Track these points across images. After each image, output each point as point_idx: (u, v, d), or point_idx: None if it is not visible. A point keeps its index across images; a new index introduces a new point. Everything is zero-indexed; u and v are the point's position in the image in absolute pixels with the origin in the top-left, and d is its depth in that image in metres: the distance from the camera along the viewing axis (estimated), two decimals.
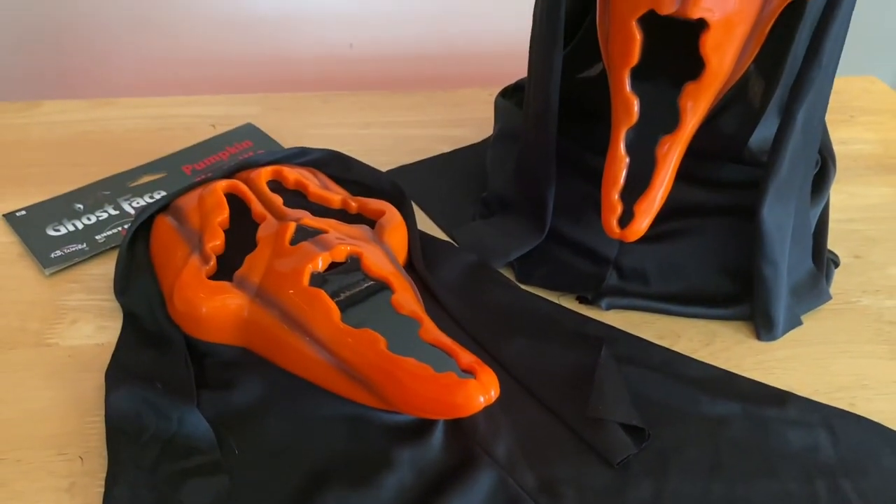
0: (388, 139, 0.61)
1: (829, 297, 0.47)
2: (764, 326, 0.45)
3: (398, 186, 0.50)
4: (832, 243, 0.51)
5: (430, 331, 0.38)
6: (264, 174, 0.47)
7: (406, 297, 0.40)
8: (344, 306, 0.38)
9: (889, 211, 0.56)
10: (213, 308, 0.40)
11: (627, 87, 0.40)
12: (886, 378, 0.43)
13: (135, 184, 0.54)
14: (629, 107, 0.40)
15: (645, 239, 0.45)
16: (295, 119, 0.62)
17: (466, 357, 0.36)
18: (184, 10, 0.80)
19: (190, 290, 0.40)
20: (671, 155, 0.40)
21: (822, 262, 0.48)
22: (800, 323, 0.46)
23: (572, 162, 0.48)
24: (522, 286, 0.47)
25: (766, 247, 0.43)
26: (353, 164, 0.51)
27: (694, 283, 0.46)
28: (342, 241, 0.41)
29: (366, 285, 0.40)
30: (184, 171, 0.55)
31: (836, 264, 0.50)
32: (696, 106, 0.39)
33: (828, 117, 0.64)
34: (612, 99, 0.41)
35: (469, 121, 0.62)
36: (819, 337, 0.45)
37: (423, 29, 0.84)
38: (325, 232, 0.42)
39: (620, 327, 0.44)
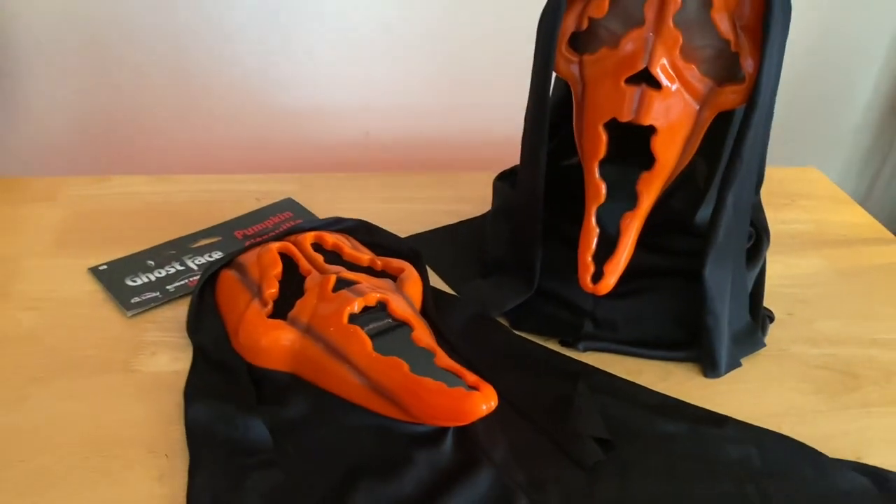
0: (403, 212, 0.72)
1: (764, 345, 0.58)
2: (709, 366, 0.55)
3: (415, 249, 0.61)
4: (770, 303, 0.62)
5: (443, 359, 0.48)
6: (308, 238, 0.58)
7: (423, 334, 0.50)
8: (375, 340, 0.49)
9: (819, 278, 0.67)
10: (271, 341, 0.50)
11: (597, 175, 0.52)
12: (808, 409, 0.53)
13: (195, 245, 0.65)
14: (598, 190, 0.52)
15: (614, 295, 0.56)
16: (326, 194, 0.73)
17: (471, 377, 0.46)
18: (230, 102, 0.93)
19: (252, 326, 0.51)
20: (632, 227, 0.52)
21: (759, 316, 0.59)
22: (739, 365, 0.56)
23: (557, 232, 0.59)
24: (516, 332, 0.58)
25: (709, 302, 0.54)
26: (379, 231, 0.62)
27: (653, 331, 0.57)
28: (373, 289, 0.52)
29: (392, 324, 0.51)
30: (235, 235, 0.66)
31: (772, 319, 0.61)
32: (649, 190, 0.51)
33: (771, 200, 0.77)
34: (585, 183, 0.53)
35: (471, 198, 0.74)
36: (755, 376, 0.56)
37: (432, 120, 0.97)
38: (359, 283, 0.53)
39: (595, 365, 0.55)
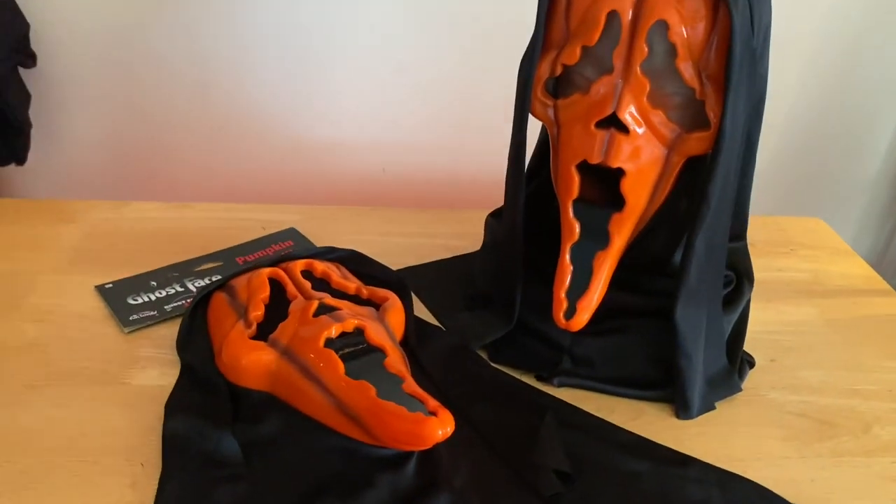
0: (402, 246, 0.75)
1: (740, 390, 0.58)
2: (681, 407, 0.56)
3: (402, 280, 0.63)
4: (754, 348, 0.63)
5: (411, 385, 0.50)
6: (299, 265, 0.61)
7: (395, 360, 0.52)
8: (348, 364, 0.51)
9: (808, 327, 0.67)
10: (250, 361, 0.53)
11: (571, 214, 0.53)
12: (777, 454, 0.53)
13: (198, 269, 0.68)
14: (572, 228, 0.53)
15: (593, 333, 0.57)
16: (329, 226, 0.76)
17: (432, 402, 0.48)
18: (251, 135, 0.98)
19: (234, 346, 0.53)
20: (604, 266, 0.53)
21: (737, 361, 0.59)
22: (713, 408, 0.57)
23: (539, 269, 0.60)
24: (494, 364, 0.59)
25: (681, 343, 0.54)
26: (369, 261, 0.65)
27: (629, 370, 0.58)
28: (352, 316, 0.54)
29: (366, 349, 0.53)
30: (237, 261, 0.69)
31: (752, 364, 0.61)
32: (620, 230, 0.52)
33: (770, 249, 0.78)
34: (561, 221, 0.54)
35: (469, 234, 0.76)
36: (728, 419, 0.56)
37: (444, 157, 1.00)
38: (340, 309, 0.55)
39: (568, 401, 0.56)
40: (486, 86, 0.94)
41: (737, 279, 0.61)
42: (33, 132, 0.90)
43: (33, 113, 0.89)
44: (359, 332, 0.54)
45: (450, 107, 0.97)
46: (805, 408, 0.58)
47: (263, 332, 0.55)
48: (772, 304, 0.69)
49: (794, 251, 0.78)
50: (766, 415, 0.57)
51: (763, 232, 0.81)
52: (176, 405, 0.52)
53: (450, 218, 0.80)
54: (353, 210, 0.80)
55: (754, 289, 0.66)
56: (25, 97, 0.88)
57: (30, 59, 0.87)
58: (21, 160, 0.90)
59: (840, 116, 1.05)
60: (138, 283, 0.65)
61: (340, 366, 0.50)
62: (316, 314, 0.54)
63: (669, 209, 0.54)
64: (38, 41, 0.87)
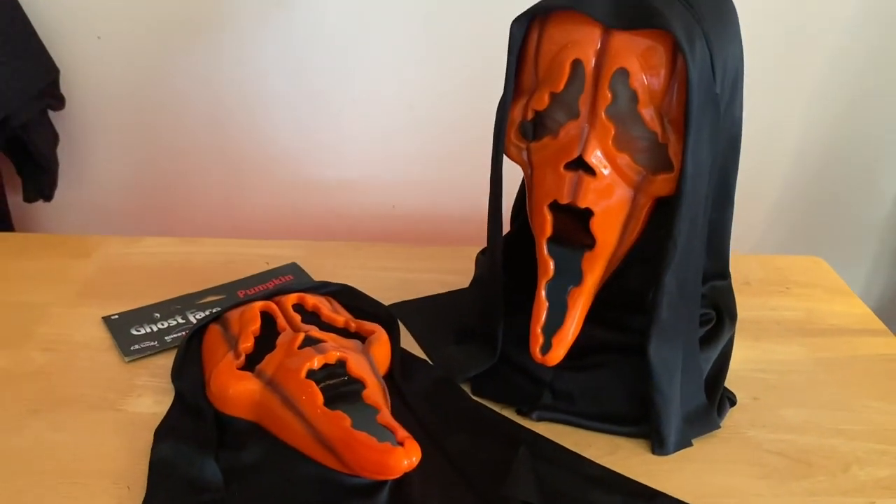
0: (399, 281, 0.77)
1: (718, 427, 0.59)
2: (657, 443, 0.56)
3: (391, 314, 0.66)
4: (738, 386, 0.63)
5: (385, 416, 0.52)
6: (291, 299, 0.64)
7: (374, 392, 0.54)
8: (327, 395, 0.53)
9: (795, 366, 0.67)
10: (237, 391, 0.55)
11: (545, 252, 0.55)
12: (751, 492, 0.54)
13: (201, 302, 0.71)
14: (547, 266, 0.55)
15: (574, 368, 0.59)
16: (332, 261, 0.79)
17: (402, 433, 0.49)
18: (265, 174, 1.02)
19: (223, 376, 0.56)
20: (578, 302, 0.55)
21: (716, 398, 0.60)
22: (690, 444, 0.57)
23: (521, 304, 0.62)
24: (476, 397, 0.61)
25: (655, 380, 0.55)
26: (361, 295, 0.67)
27: (608, 406, 0.59)
28: (336, 348, 0.57)
29: (346, 381, 0.55)
30: (238, 294, 0.72)
31: (733, 402, 0.62)
32: (592, 268, 0.54)
33: (765, 288, 0.78)
34: (537, 259, 0.56)
35: (466, 270, 0.78)
36: (704, 456, 0.57)
37: (453, 194, 1.03)
38: (325, 341, 0.58)
39: (548, 435, 0.57)
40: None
41: (717, 317, 0.62)
42: (60, 170, 0.96)
43: (61, 152, 0.95)
44: (341, 363, 0.56)
45: (460, 145, 1.00)
46: (784, 446, 0.58)
47: (252, 362, 0.57)
48: (760, 342, 0.70)
49: (790, 290, 0.79)
50: (743, 453, 0.57)
51: (760, 271, 0.81)
52: (165, 431, 0.55)
53: (448, 254, 0.82)
54: (356, 245, 0.83)
55: (744, 327, 0.67)
56: (53, 137, 0.94)
57: (59, 101, 0.93)
58: (48, 197, 0.95)
59: (848, 155, 1.05)
60: (143, 314, 0.69)
61: (319, 396, 0.52)
62: (301, 346, 0.57)
63: (643, 248, 0.56)
64: (67, 85, 0.93)
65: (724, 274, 0.63)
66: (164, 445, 0.53)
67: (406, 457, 0.48)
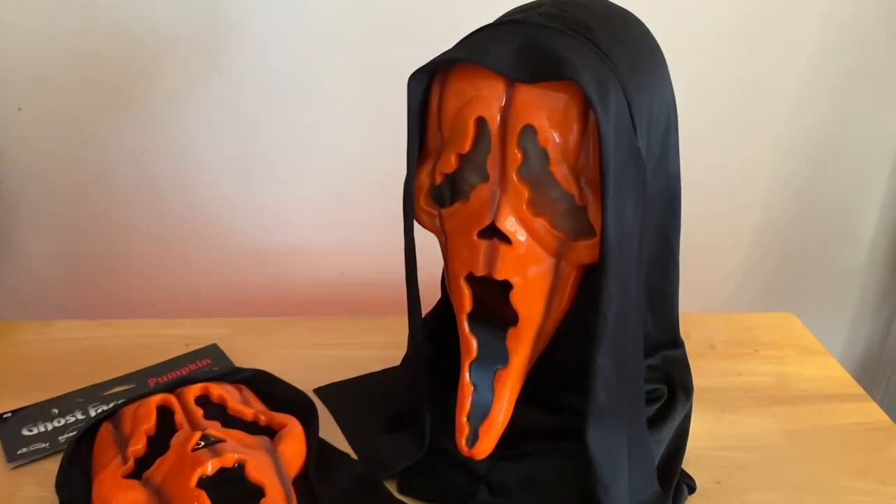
0: (334, 359, 0.70)
1: None
2: None
3: (311, 402, 0.59)
4: (701, 468, 0.56)
5: None
6: (194, 390, 0.57)
7: (274, 500, 0.47)
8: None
9: (763, 440, 0.60)
10: (120, 503, 0.48)
11: (467, 330, 0.49)
12: None
13: (107, 393, 0.64)
14: (469, 345, 0.49)
15: (510, 457, 0.52)
16: (257, 340, 0.73)
17: None
18: (203, 244, 0.96)
19: (105, 487, 0.49)
20: (505, 386, 0.48)
21: (671, 486, 0.53)
22: None
23: (453, 387, 0.56)
24: (403, 496, 0.54)
25: (596, 471, 0.48)
26: (276, 381, 0.61)
27: (549, 497, 0.52)
28: (234, 449, 0.50)
29: (243, 488, 0.48)
30: (150, 383, 0.66)
31: (692, 489, 0.55)
32: (517, 347, 0.48)
33: (731, 350, 0.72)
34: (459, 338, 0.50)
35: (404, 344, 0.72)
36: None
37: (395, 259, 0.97)
38: (224, 441, 0.51)
39: None
40: None
41: (669, 392, 0.55)
42: None
43: None
44: (239, 466, 0.49)
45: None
46: None
47: (142, 467, 0.50)
48: (725, 414, 0.63)
49: (758, 352, 0.72)
50: None
51: (725, 332, 0.75)
52: None
53: (397, 325, 0.75)
54: (288, 322, 0.77)
55: (706, 397, 0.61)
56: None
57: None
58: None
59: (820, 201, 1.00)
60: (40, 411, 0.62)
61: None
62: (196, 448, 0.50)
63: (575, 320, 0.50)
64: None
65: (676, 342, 0.57)
66: None
67: None
